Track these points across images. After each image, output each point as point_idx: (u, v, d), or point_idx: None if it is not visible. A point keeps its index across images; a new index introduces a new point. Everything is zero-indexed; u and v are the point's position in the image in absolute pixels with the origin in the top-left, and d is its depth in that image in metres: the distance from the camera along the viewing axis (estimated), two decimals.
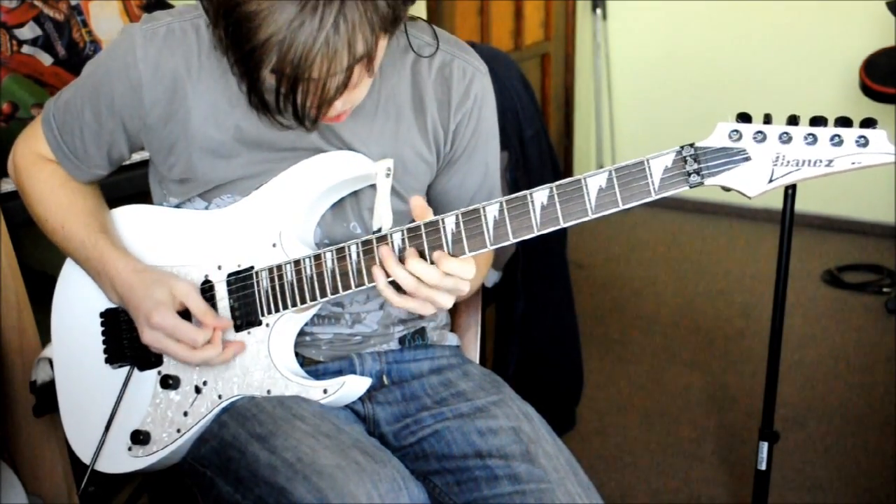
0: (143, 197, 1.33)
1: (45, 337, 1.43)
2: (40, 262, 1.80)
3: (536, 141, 2.25)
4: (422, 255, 1.09)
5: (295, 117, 1.00)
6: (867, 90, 3.10)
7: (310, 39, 0.93)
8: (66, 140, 1.25)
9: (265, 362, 1.19)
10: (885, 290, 3.34)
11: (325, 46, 0.93)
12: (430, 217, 1.09)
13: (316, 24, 0.92)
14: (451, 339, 1.39)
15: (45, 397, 1.42)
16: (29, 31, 1.81)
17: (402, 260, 1.09)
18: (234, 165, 1.20)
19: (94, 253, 1.22)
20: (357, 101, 1.09)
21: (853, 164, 0.96)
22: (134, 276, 1.19)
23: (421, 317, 1.34)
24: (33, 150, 1.29)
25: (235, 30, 0.95)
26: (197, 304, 1.18)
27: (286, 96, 0.97)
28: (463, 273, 1.08)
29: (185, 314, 1.18)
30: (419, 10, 3.00)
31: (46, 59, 1.82)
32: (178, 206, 1.26)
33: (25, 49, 1.80)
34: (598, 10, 4.23)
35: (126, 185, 1.54)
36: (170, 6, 1.92)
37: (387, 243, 1.10)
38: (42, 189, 1.27)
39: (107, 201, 1.33)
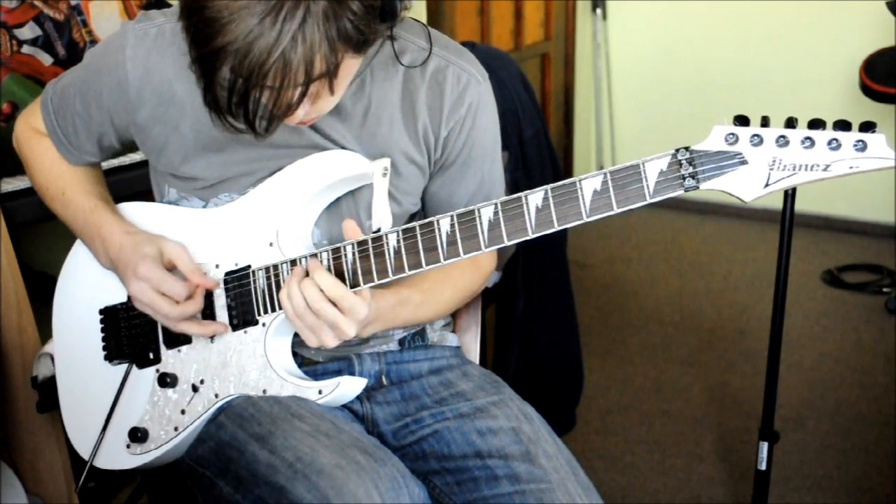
0: (143, 197, 1.33)
1: (45, 336, 1.43)
2: (40, 262, 1.80)
3: (536, 141, 2.25)
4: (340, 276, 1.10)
5: (246, 122, 1.00)
6: (867, 90, 3.10)
7: (265, 52, 0.93)
8: (61, 125, 1.28)
9: (261, 362, 1.19)
10: (885, 290, 3.33)
11: (281, 60, 0.93)
12: (360, 237, 1.10)
13: (273, 37, 0.92)
14: (451, 339, 1.39)
15: (48, 393, 1.43)
16: (29, 31, 1.81)
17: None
18: (229, 162, 1.20)
19: (92, 217, 1.25)
20: (324, 111, 1.09)
21: (851, 168, 0.94)
22: (126, 237, 1.22)
23: None
24: (32, 126, 1.33)
25: (196, 31, 0.96)
26: (186, 262, 1.20)
27: (238, 103, 0.97)
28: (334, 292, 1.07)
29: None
30: (419, 10, 2.99)
31: (46, 59, 1.82)
32: (176, 202, 1.26)
33: (25, 49, 1.80)
34: (598, 10, 4.23)
35: (126, 185, 1.55)
36: (168, 5, 1.92)
37: (382, 244, 1.10)
38: (43, 159, 1.31)
39: None
